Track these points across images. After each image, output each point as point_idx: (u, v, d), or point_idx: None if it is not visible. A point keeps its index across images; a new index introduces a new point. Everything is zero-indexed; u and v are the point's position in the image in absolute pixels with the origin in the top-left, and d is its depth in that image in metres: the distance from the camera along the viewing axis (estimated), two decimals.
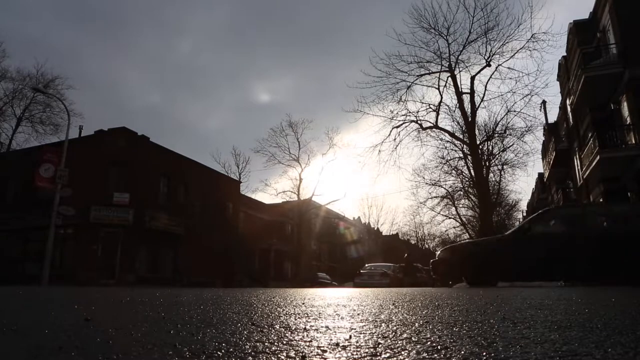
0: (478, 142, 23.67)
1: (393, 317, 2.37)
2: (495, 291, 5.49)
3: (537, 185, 40.73)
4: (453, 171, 29.47)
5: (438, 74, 23.08)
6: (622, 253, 7.19)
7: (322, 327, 1.98)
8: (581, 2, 74.33)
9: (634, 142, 15.00)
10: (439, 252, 11.01)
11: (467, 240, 10.36)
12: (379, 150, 23.15)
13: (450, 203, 33.77)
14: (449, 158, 27.48)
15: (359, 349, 1.39)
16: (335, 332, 1.81)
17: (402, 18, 65.28)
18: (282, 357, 1.27)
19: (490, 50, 22.24)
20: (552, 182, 30.66)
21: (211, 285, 20.77)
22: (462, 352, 1.31)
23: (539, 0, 45.93)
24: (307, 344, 1.50)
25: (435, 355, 1.28)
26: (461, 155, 26.76)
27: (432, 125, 23.49)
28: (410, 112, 23.38)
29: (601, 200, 18.46)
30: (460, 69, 23.12)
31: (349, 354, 1.32)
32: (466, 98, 22.68)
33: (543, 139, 30.67)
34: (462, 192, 32.52)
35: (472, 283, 8.51)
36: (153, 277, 23.27)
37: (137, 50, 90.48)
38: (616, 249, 7.27)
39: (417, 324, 2.04)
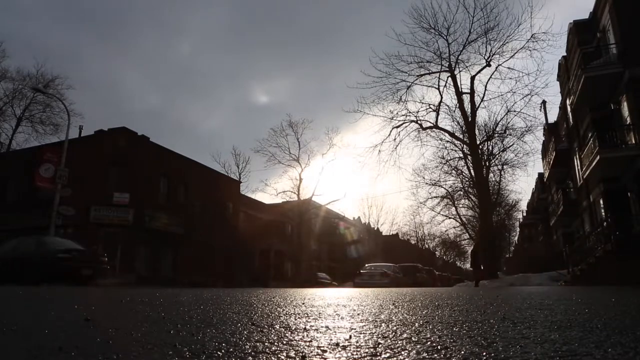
0: (478, 142, 23.62)
1: (393, 317, 2.37)
2: (495, 291, 5.49)
3: (537, 185, 40.72)
4: (453, 171, 29.50)
5: (438, 74, 23.02)
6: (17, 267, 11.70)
7: (322, 327, 1.98)
8: (581, 2, 74.34)
9: (634, 142, 14.98)
10: None
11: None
12: (379, 150, 23.10)
13: (450, 203, 33.82)
14: (449, 158, 27.51)
15: (359, 349, 1.39)
16: (335, 332, 1.81)
17: (402, 18, 65.25)
18: (282, 357, 1.27)
19: (490, 50, 22.19)
20: (552, 182, 30.64)
21: (211, 285, 20.78)
22: (462, 352, 1.31)
23: (539, 0, 45.97)
24: (307, 344, 1.50)
25: (435, 355, 1.28)
26: (461, 155, 26.77)
27: (432, 125, 23.46)
28: (410, 112, 23.33)
29: (601, 200, 18.45)
30: (460, 69, 23.06)
31: (349, 354, 1.32)
32: (466, 98, 22.64)
33: (543, 139, 30.63)
34: (462, 192, 32.56)
35: None
36: (153, 277, 23.26)
37: (137, 51, 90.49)
38: (16, 265, 11.80)
39: (417, 324, 2.05)
